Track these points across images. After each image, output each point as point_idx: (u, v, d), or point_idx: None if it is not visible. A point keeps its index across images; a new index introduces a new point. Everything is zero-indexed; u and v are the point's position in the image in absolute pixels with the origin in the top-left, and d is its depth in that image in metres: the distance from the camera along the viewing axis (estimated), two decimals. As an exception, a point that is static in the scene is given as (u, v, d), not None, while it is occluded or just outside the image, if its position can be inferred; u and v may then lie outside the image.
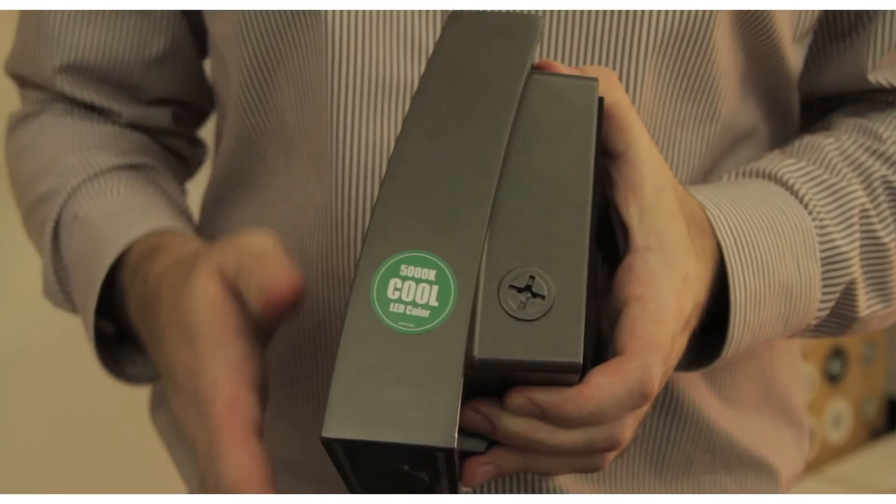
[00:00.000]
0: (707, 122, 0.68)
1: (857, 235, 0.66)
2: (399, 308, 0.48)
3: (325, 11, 0.65)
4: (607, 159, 0.55)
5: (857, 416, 2.48)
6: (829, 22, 0.72)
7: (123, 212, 0.72)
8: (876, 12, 0.70)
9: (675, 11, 0.64)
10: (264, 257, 0.54)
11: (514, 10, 0.53)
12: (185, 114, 0.84)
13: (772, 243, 0.62)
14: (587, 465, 0.55)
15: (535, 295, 0.49)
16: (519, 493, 0.69)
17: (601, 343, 0.55)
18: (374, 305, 0.48)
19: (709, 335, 0.62)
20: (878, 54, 0.71)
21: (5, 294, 1.43)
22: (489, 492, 0.69)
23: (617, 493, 0.72)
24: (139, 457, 1.30)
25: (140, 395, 0.86)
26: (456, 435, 0.46)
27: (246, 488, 0.51)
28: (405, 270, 0.48)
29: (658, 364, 0.52)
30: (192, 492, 0.81)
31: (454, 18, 0.53)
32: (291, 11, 0.66)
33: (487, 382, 0.51)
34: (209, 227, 0.79)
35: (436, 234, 0.49)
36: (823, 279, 0.65)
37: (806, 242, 0.64)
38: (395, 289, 0.48)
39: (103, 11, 0.77)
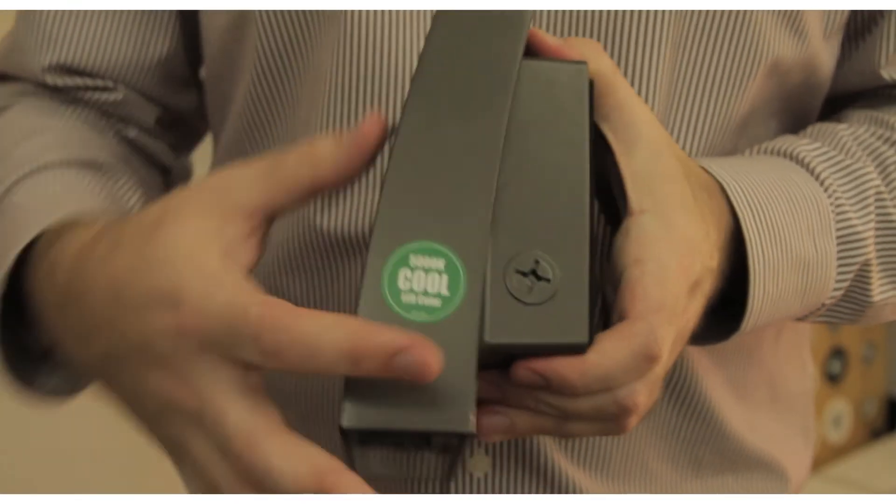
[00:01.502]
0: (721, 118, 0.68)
1: (873, 217, 0.66)
2: (411, 298, 0.49)
3: (344, 12, 0.64)
4: (602, 123, 0.55)
5: (857, 416, 2.48)
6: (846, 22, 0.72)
7: (49, 199, 0.65)
8: (888, 9, 0.70)
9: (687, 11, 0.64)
10: (300, 147, 0.51)
11: (501, 8, 0.54)
12: (170, 119, 0.80)
13: (788, 215, 0.62)
14: (604, 430, 0.55)
15: (539, 278, 0.51)
16: (532, 482, 0.69)
17: (605, 310, 0.56)
18: (386, 296, 0.49)
19: (727, 309, 0.61)
20: (890, 50, 0.71)
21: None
22: (503, 479, 0.68)
23: (628, 491, 0.71)
24: (139, 457, 1.30)
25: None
26: (474, 420, 0.47)
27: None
28: (414, 261, 0.49)
29: (662, 325, 0.52)
30: (191, 491, 0.80)
31: (441, 16, 0.54)
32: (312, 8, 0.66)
33: (498, 362, 0.52)
34: None
35: (442, 223, 0.50)
36: (839, 257, 0.64)
37: (822, 218, 0.64)
38: (406, 279, 0.49)
39: (102, 10, 0.73)
